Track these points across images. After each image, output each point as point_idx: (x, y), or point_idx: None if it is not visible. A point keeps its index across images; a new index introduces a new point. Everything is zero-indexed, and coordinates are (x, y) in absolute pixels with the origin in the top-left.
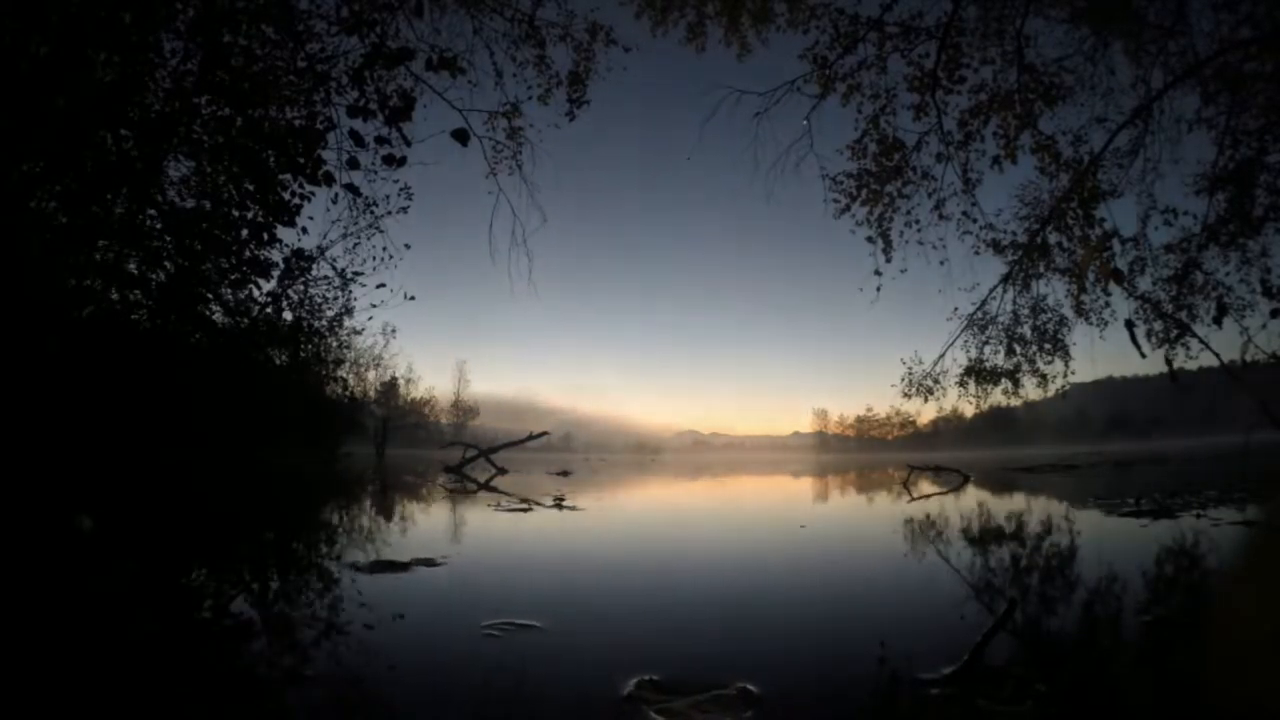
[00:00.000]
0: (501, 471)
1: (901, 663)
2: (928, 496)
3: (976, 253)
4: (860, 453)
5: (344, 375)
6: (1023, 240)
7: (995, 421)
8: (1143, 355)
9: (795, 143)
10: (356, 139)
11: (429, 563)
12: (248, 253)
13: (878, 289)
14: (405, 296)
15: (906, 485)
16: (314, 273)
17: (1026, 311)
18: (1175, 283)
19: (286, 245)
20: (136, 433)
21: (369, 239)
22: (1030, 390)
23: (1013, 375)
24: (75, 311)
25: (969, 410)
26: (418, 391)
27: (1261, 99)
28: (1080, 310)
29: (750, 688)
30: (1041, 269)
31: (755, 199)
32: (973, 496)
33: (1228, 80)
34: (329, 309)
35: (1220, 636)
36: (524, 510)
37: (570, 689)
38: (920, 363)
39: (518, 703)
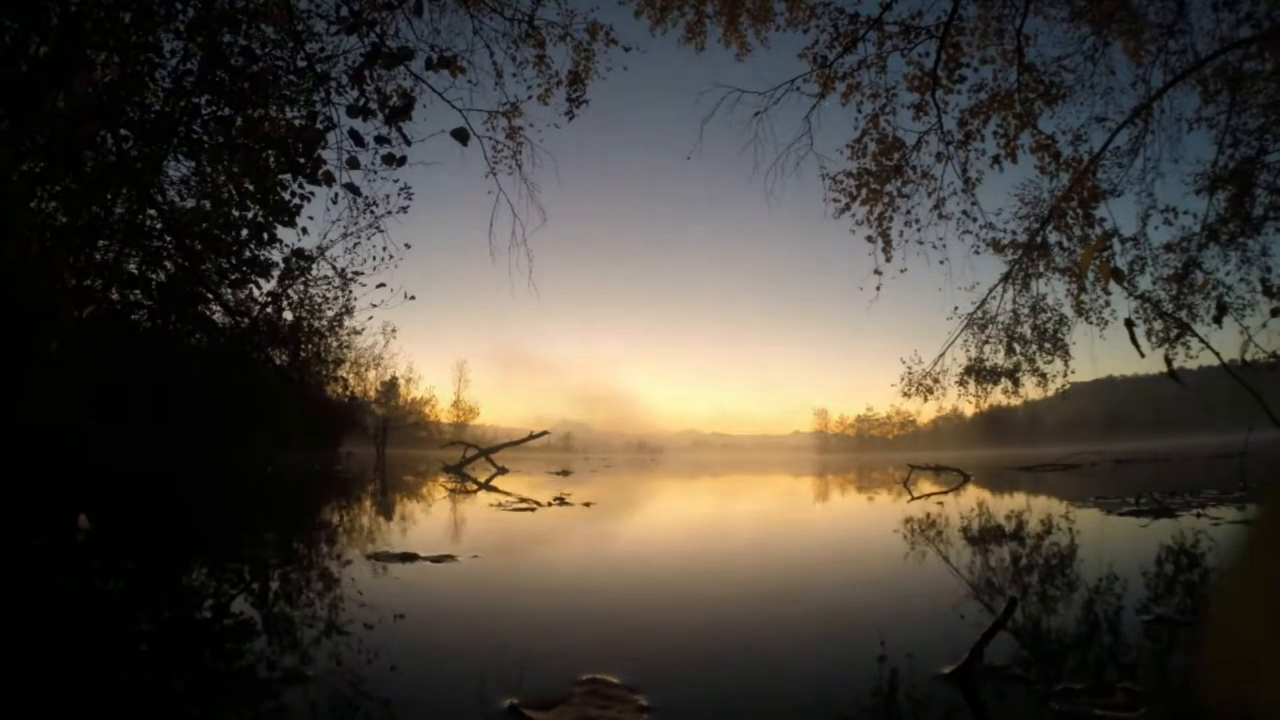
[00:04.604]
0: (501, 471)
1: (901, 660)
2: (928, 496)
3: (976, 252)
4: (860, 452)
5: (344, 375)
6: (1022, 240)
7: (995, 421)
8: (1142, 355)
9: (795, 142)
10: (356, 139)
11: (426, 558)
12: (248, 253)
13: (878, 288)
14: (405, 296)
15: (907, 484)
16: (314, 273)
17: (1026, 311)
18: (1175, 282)
19: (286, 245)
20: (134, 431)
21: (369, 239)
22: (1030, 390)
23: (1012, 374)
24: (75, 311)
25: (969, 410)
26: (418, 391)
27: (1261, 98)
28: (1080, 310)
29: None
30: (1041, 268)
31: (755, 198)
32: (973, 495)
33: (1228, 79)
34: (329, 309)
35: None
36: (526, 509)
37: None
38: (920, 362)
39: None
